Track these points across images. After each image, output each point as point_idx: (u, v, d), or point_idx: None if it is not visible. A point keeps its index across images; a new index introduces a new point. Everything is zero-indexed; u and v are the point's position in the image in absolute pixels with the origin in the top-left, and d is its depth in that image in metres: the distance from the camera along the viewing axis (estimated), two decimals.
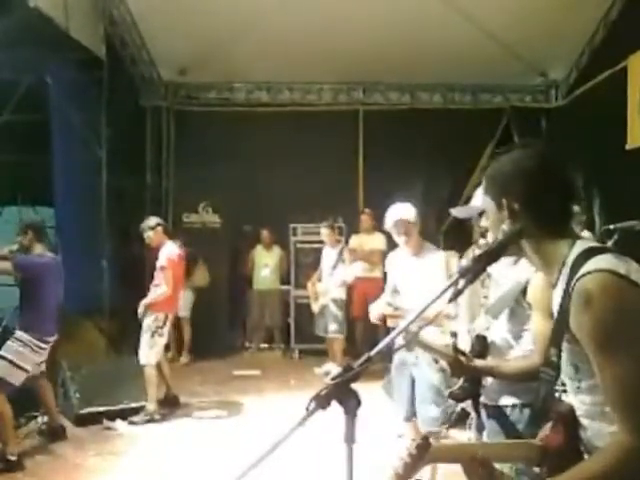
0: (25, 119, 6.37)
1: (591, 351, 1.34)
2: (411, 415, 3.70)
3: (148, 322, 5.72)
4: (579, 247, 1.44)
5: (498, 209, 1.54)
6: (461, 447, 1.49)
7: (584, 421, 1.45)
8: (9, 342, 4.62)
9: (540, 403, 1.54)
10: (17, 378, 4.59)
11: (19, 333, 4.66)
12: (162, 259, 5.81)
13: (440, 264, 3.65)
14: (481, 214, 2.39)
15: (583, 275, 1.36)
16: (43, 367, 4.98)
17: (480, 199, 2.40)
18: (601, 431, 1.41)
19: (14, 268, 4.64)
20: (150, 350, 5.67)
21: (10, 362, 4.54)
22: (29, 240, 4.82)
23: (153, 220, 6.04)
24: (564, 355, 1.44)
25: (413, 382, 3.71)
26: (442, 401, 3.49)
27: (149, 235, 5.93)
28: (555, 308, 1.48)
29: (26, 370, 4.63)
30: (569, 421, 1.47)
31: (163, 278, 5.74)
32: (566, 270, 1.43)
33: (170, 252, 5.87)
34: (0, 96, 6.21)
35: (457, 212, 2.60)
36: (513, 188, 1.51)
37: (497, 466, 1.47)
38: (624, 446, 1.30)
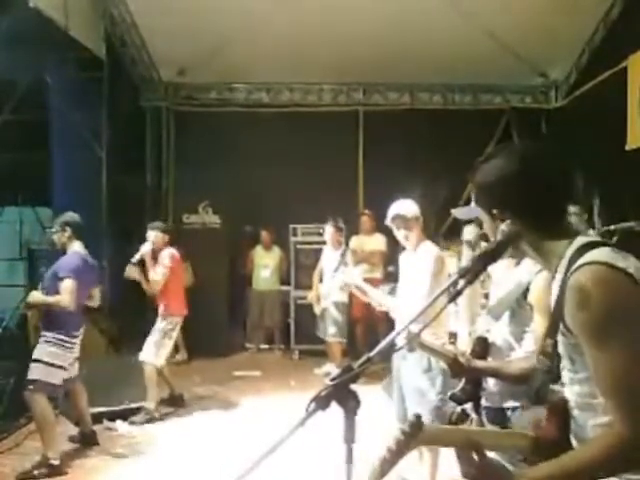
0: (25, 119, 6.37)
1: (585, 342, 1.35)
2: (403, 416, 3.70)
3: (162, 324, 5.79)
4: (578, 242, 1.45)
5: (491, 218, 1.56)
6: (455, 431, 1.49)
7: (574, 412, 1.46)
8: (39, 345, 4.54)
9: (534, 393, 1.55)
10: (56, 377, 4.52)
11: (45, 333, 4.56)
12: (166, 259, 5.85)
13: (426, 258, 3.63)
14: None
15: (579, 267, 1.36)
16: (76, 369, 4.87)
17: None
18: (587, 422, 1.42)
19: (72, 279, 4.51)
20: (156, 350, 5.70)
21: (45, 363, 4.47)
22: (67, 237, 4.73)
23: (164, 225, 6.21)
24: (560, 347, 1.45)
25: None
26: (425, 402, 3.49)
27: (157, 235, 5.94)
28: (552, 300, 1.49)
29: (63, 368, 4.56)
30: (562, 412, 1.48)
31: (160, 273, 5.78)
32: (564, 263, 1.44)
33: (173, 253, 5.96)
34: (0, 96, 6.21)
35: (458, 213, 2.55)
36: (500, 198, 1.53)
37: (492, 454, 1.47)
38: (615, 435, 1.31)
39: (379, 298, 3.91)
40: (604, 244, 1.43)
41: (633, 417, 1.29)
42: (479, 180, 1.60)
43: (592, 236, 1.50)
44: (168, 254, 5.89)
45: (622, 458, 1.31)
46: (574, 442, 1.47)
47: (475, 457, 1.37)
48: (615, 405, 1.32)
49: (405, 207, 3.77)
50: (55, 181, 6.88)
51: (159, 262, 5.85)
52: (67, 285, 4.47)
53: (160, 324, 5.80)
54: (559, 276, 1.45)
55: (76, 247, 4.74)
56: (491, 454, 1.45)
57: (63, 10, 6.31)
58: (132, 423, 5.47)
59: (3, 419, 5.07)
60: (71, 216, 4.88)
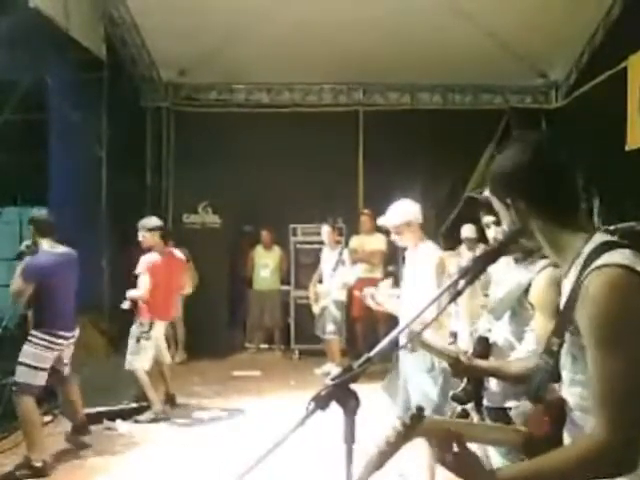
0: (25, 119, 6.37)
1: (589, 343, 1.33)
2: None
3: (133, 328, 5.78)
4: (596, 240, 1.41)
5: (505, 208, 1.52)
6: (442, 422, 1.47)
7: (574, 413, 1.45)
8: (25, 346, 4.52)
9: (533, 390, 1.53)
10: (40, 379, 4.51)
11: (33, 332, 4.54)
12: (140, 266, 5.76)
13: (428, 260, 3.62)
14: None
15: (597, 267, 1.33)
16: (66, 370, 4.84)
17: None
18: (586, 424, 1.40)
19: (23, 280, 4.48)
20: (135, 356, 5.67)
21: (28, 366, 4.46)
22: (32, 235, 4.68)
23: (154, 221, 6.01)
24: (565, 346, 1.43)
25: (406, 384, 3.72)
26: (428, 401, 3.48)
27: (145, 235, 5.89)
28: (563, 298, 1.46)
29: (45, 369, 4.54)
30: (557, 411, 1.46)
31: (140, 283, 5.71)
32: (580, 261, 1.40)
33: (150, 259, 5.82)
34: (0, 96, 6.21)
35: (477, 195, 2.53)
36: (514, 186, 1.48)
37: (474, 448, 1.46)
38: (594, 440, 1.29)
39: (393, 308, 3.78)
40: (624, 245, 1.39)
41: (617, 424, 1.27)
42: (495, 169, 1.56)
43: (606, 235, 1.46)
44: (144, 261, 5.77)
45: (597, 463, 1.29)
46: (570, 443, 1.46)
47: (455, 447, 1.35)
48: (602, 411, 1.30)
49: (390, 215, 3.75)
50: (55, 181, 6.88)
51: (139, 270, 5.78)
52: (15, 285, 4.47)
53: (132, 328, 5.80)
54: (573, 275, 1.42)
55: (45, 245, 4.65)
56: (473, 447, 1.43)
57: (63, 10, 6.31)
58: (137, 422, 5.49)
59: (2, 419, 5.05)
60: (36, 213, 4.84)
